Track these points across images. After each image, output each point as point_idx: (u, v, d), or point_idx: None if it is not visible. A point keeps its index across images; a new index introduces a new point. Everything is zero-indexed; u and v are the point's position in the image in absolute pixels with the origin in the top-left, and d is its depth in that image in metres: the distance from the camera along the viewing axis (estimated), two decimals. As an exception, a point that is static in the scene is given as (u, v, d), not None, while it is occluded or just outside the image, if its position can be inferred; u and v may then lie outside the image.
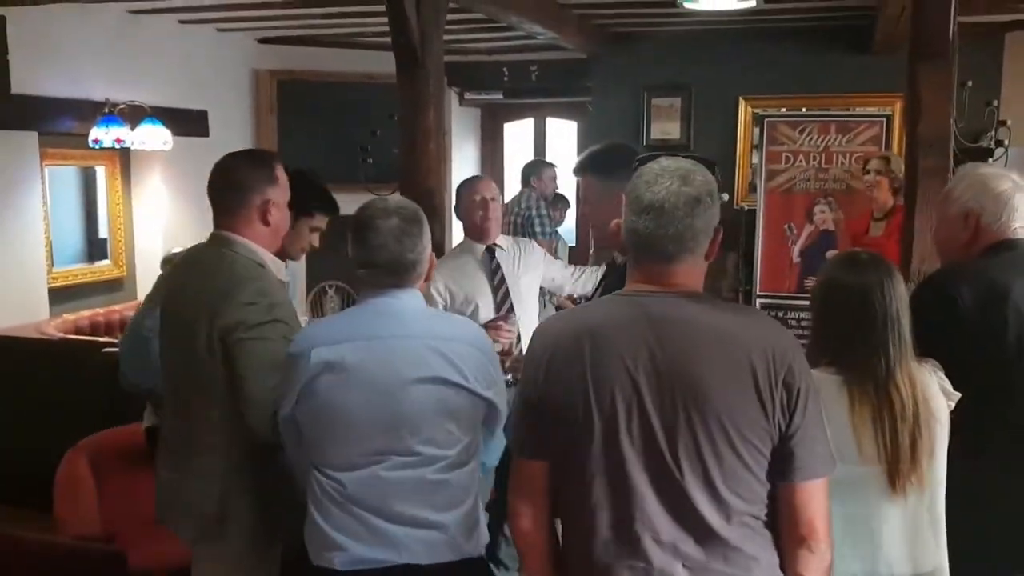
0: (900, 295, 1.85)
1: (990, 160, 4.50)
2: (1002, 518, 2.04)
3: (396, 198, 1.97)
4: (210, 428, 2.13)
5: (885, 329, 1.82)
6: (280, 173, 2.24)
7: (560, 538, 1.63)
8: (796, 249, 5.77)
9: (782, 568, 1.54)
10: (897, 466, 1.78)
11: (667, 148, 6.16)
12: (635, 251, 1.56)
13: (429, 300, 2.98)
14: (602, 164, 2.36)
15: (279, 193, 2.22)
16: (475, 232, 3.19)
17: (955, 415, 1.89)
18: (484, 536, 1.95)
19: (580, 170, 2.44)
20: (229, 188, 2.19)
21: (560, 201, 6.29)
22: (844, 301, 1.86)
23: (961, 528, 1.88)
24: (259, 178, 2.19)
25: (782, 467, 1.49)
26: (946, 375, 1.90)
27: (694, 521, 1.47)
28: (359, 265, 1.90)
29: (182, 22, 5.66)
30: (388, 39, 3.66)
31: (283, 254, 2.47)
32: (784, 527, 1.52)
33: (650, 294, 1.53)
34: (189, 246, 2.39)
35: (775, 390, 1.46)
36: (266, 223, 2.18)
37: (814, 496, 1.51)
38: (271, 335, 2.04)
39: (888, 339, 1.82)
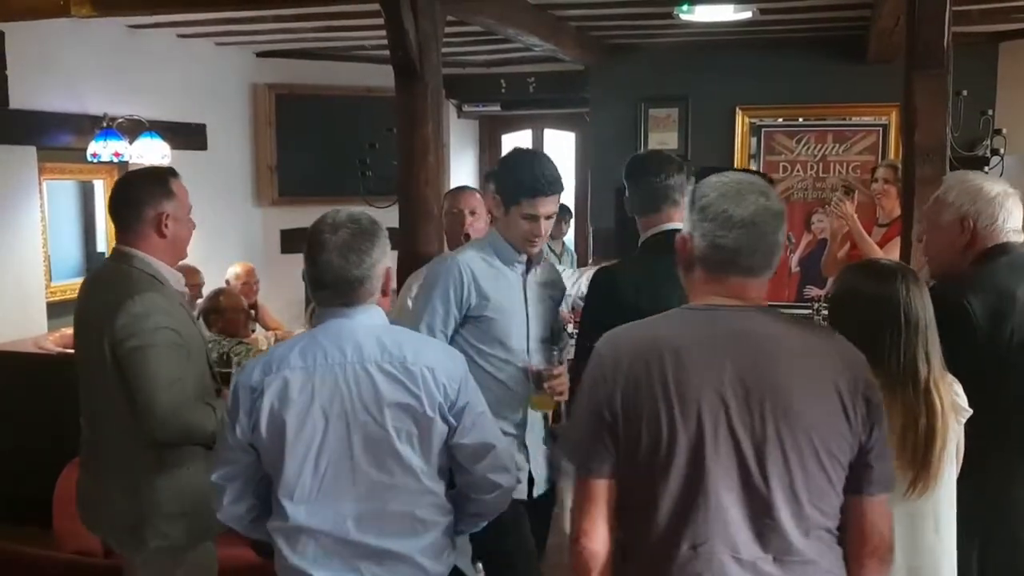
0: (923, 307, 1.84)
1: (985, 169, 4.51)
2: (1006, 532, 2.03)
3: (349, 211, 1.88)
4: (115, 439, 2.25)
5: (922, 335, 1.81)
6: (177, 187, 2.33)
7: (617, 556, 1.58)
8: (795, 258, 5.78)
9: None
10: (926, 470, 1.78)
11: (665, 159, 6.18)
12: (716, 266, 1.53)
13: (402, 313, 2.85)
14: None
15: (175, 206, 2.30)
16: (457, 244, 3.13)
17: (975, 428, 1.89)
18: (452, 557, 1.90)
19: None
20: (124, 204, 2.31)
21: (562, 211, 6.28)
22: (863, 312, 1.84)
23: (965, 541, 1.87)
24: (153, 192, 2.28)
25: (859, 480, 1.51)
26: (964, 388, 1.90)
27: (776, 536, 1.46)
28: (308, 283, 1.85)
29: (180, 36, 5.68)
30: (386, 52, 3.67)
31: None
32: (856, 539, 1.53)
33: (729, 308, 1.52)
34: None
35: (857, 404, 1.47)
36: (162, 235, 2.27)
37: (886, 509, 1.54)
38: (159, 342, 2.13)
39: (929, 344, 1.82)
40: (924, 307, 1.83)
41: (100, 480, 2.31)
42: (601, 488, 1.54)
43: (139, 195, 2.29)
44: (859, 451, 1.49)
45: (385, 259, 1.86)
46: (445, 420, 1.81)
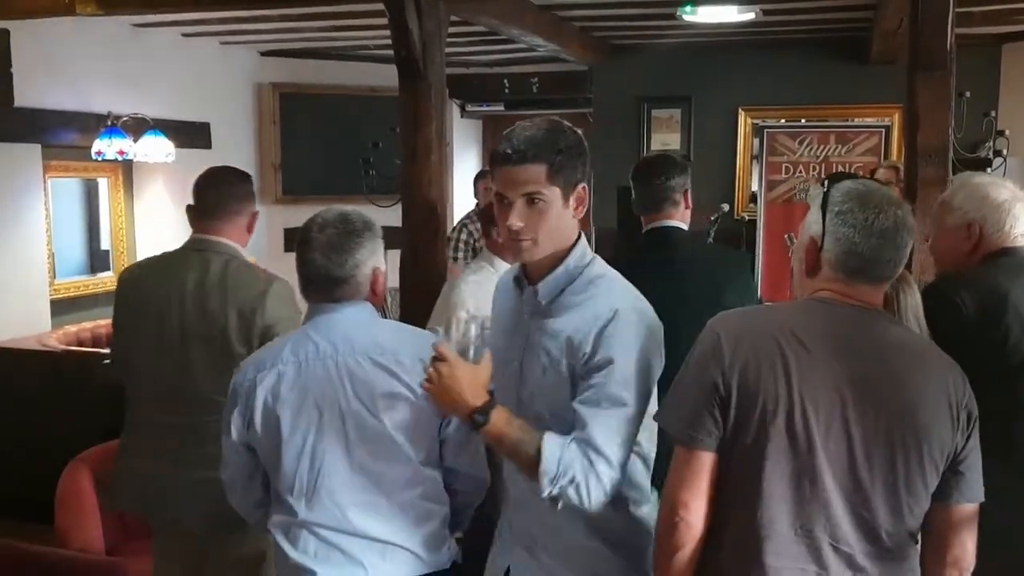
0: (911, 307, 1.84)
1: (988, 170, 4.51)
2: (1007, 528, 2.03)
3: (342, 209, 1.87)
4: (214, 424, 2.19)
5: None
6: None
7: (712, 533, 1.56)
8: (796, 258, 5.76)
9: None
10: None
11: (667, 159, 6.19)
12: (848, 271, 1.55)
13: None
14: None
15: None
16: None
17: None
18: (453, 548, 1.89)
19: None
20: (230, 198, 2.46)
21: None
22: None
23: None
24: (251, 193, 2.49)
25: (949, 488, 1.53)
26: None
27: (872, 532, 1.50)
28: (298, 279, 1.86)
29: (185, 35, 5.69)
30: (390, 52, 3.68)
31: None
32: (938, 547, 1.56)
33: (854, 306, 1.55)
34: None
35: (961, 412, 1.52)
36: (250, 232, 2.50)
37: (972, 519, 1.56)
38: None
39: None
40: (905, 311, 1.83)
41: (182, 466, 2.31)
42: (706, 461, 1.52)
43: (243, 193, 2.48)
44: (953, 458, 1.52)
45: (373, 260, 1.85)
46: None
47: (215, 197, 2.44)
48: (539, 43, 5.16)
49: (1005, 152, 4.69)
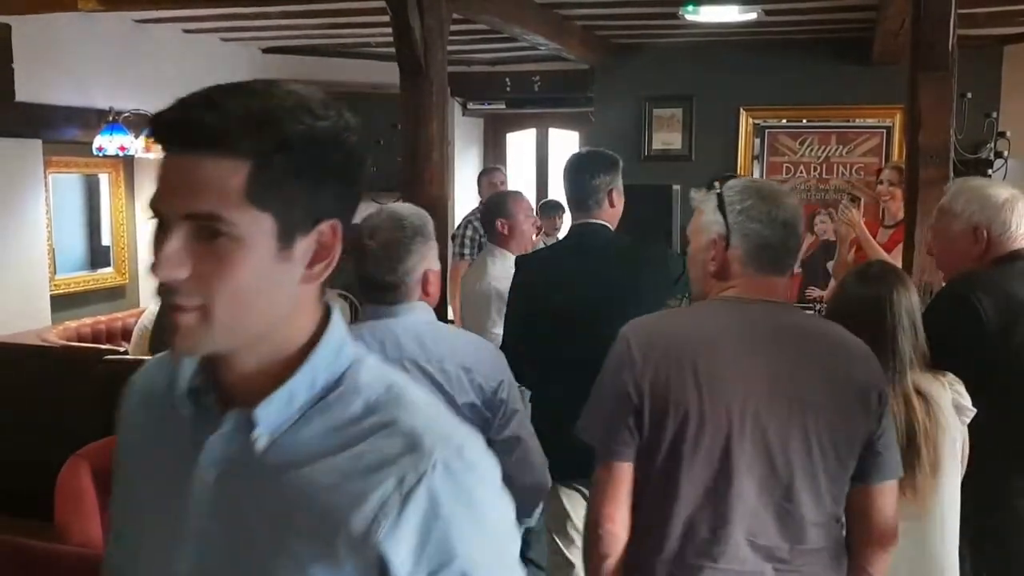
0: (905, 309, 1.84)
1: (989, 172, 4.51)
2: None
3: (392, 209, 1.91)
4: None
5: (877, 343, 1.80)
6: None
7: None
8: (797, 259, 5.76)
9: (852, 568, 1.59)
10: (913, 472, 1.79)
11: (668, 159, 6.18)
12: (761, 265, 1.58)
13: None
14: None
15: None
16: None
17: (975, 430, 1.88)
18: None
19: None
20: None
21: (555, 208, 6.24)
22: (847, 313, 1.87)
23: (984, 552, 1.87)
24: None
25: (868, 469, 1.56)
26: (966, 388, 1.89)
27: (793, 523, 1.52)
28: (357, 279, 1.90)
29: (187, 31, 5.69)
30: (392, 49, 3.67)
31: None
32: (861, 527, 1.58)
33: (763, 302, 1.58)
34: None
35: (872, 395, 1.54)
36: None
37: (892, 496, 1.58)
38: None
39: (881, 355, 1.80)
40: (896, 314, 1.83)
41: None
42: (625, 472, 1.55)
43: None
44: (869, 440, 1.55)
45: (424, 263, 1.87)
46: (480, 416, 1.84)
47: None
48: (541, 42, 5.16)
49: (1006, 153, 4.70)
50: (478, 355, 1.90)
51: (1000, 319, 2.05)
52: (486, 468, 0.85)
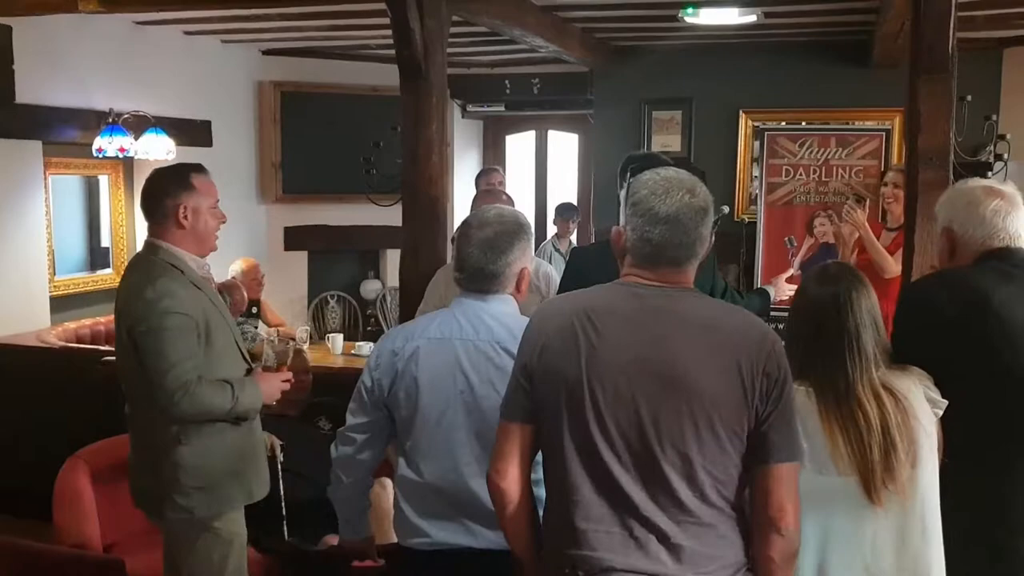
0: (865, 307, 1.85)
1: (989, 174, 4.51)
2: (983, 521, 2.00)
3: (500, 209, 2.09)
4: (140, 416, 2.45)
5: (842, 341, 1.83)
6: (198, 181, 2.48)
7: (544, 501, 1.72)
8: (796, 261, 5.78)
9: (750, 551, 1.62)
10: (870, 477, 1.78)
11: (668, 161, 6.19)
12: (644, 258, 1.65)
13: None
14: None
15: (196, 199, 2.46)
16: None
17: (946, 422, 1.88)
18: None
19: None
20: (148, 197, 2.49)
21: (569, 211, 6.25)
22: (808, 314, 1.89)
23: (953, 533, 1.87)
24: (171, 185, 2.45)
25: (757, 451, 1.59)
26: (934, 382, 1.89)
27: (668, 496, 1.57)
28: (455, 268, 2.07)
29: (187, 33, 5.70)
30: (392, 51, 3.68)
31: None
32: (756, 509, 1.61)
33: (652, 286, 1.64)
34: None
35: (756, 378, 1.57)
36: (181, 226, 2.44)
37: (784, 479, 1.59)
38: (168, 326, 2.30)
39: (846, 352, 1.82)
40: (854, 312, 1.83)
41: (135, 455, 2.54)
42: (513, 431, 1.68)
43: (159, 188, 2.47)
44: (756, 423, 1.58)
45: (523, 260, 2.04)
46: None
47: None
48: (540, 44, 5.17)
49: (1006, 156, 4.69)
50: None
51: (958, 312, 2.01)
52: None
